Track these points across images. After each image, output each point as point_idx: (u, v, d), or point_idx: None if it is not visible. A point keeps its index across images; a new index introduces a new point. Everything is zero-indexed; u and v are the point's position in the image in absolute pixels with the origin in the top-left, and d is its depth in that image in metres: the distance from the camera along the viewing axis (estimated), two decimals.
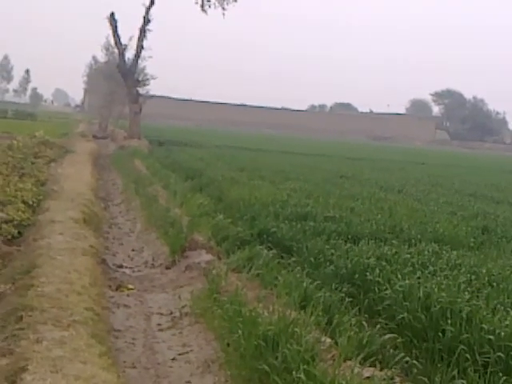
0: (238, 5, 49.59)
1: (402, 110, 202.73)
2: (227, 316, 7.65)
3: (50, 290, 8.10)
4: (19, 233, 12.33)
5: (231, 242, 12.00)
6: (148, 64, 63.95)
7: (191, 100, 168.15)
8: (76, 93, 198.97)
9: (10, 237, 11.91)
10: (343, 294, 8.63)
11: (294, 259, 10.53)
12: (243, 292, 8.51)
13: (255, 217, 13.67)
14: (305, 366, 5.88)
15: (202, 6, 49.27)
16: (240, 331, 6.93)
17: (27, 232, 12.44)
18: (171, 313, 9.19)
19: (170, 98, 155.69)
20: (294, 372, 5.89)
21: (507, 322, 7.10)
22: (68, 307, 7.53)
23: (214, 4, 49.10)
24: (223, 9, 49.17)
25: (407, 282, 8.56)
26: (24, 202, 14.43)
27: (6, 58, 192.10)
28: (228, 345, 7.19)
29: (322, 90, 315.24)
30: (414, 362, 6.65)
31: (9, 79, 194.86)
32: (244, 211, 14.34)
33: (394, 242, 11.91)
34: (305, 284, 8.71)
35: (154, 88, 62.85)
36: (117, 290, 10.29)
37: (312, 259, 10.45)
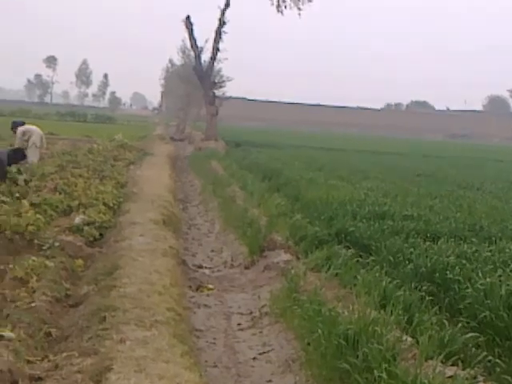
0: (314, 4, 49.68)
1: (479, 107, 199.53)
2: (307, 315, 7.67)
3: (132, 291, 8.25)
4: (101, 234, 12.58)
5: (309, 241, 11.99)
6: (224, 66, 64.40)
7: (267, 101, 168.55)
8: (154, 96, 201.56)
9: (92, 238, 12.17)
10: (423, 293, 8.52)
11: (372, 258, 10.47)
12: (322, 291, 8.52)
13: (333, 216, 13.63)
14: (386, 365, 5.86)
15: (278, 6, 49.49)
16: (320, 330, 6.94)
17: (108, 234, 12.69)
18: (251, 312, 9.26)
19: (246, 99, 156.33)
20: (375, 371, 5.87)
21: None
22: (150, 307, 7.65)
23: (290, 4, 49.26)
24: (299, 9, 49.32)
25: (488, 280, 8.42)
26: (105, 205, 14.71)
27: (84, 63, 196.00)
28: (308, 344, 7.21)
29: (398, 89, 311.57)
30: (497, 360, 6.55)
31: (88, 84, 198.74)
32: (321, 211, 14.31)
33: (473, 240, 11.71)
34: (384, 283, 8.64)
35: (230, 90, 63.27)
36: (197, 290, 10.41)
37: (391, 258, 10.37)
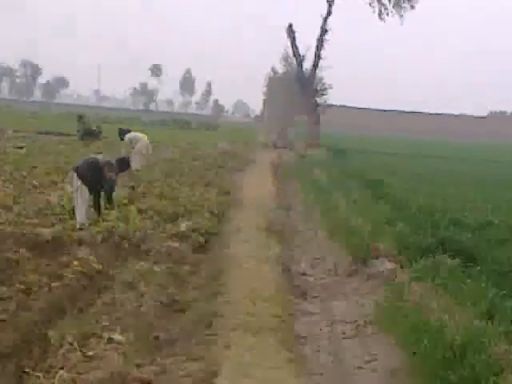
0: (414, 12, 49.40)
1: None
2: (412, 325, 7.61)
3: (238, 297, 8.36)
4: (206, 241, 12.77)
5: (413, 250, 11.86)
6: (325, 74, 64.34)
7: (368, 109, 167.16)
8: (256, 103, 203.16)
9: (197, 245, 12.37)
10: None
11: (478, 268, 10.29)
12: (427, 301, 8.43)
13: (436, 225, 13.45)
14: (494, 378, 5.77)
15: (380, 14, 49.29)
16: (426, 340, 6.87)
17: (213, 240, 12.87)
18: (355, 321, 9.22)
19: (347, 107, 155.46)
20: (482, 383, 5.79)
21: None
22: (255, 314, 7.74)
23: (392, 12, 48.99)
24: (401, 16, 48.98)
25: None
26: (210, 211, 14.92)
27: (188, 71, 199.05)
28: (414, 354, 7.15)
29: (501, 96, 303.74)
30: None
31: (191, 92, 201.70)
32: (425, 219, 14.14)
33: None
34: (491, 294, 8.50)
35: (331, 97, 63.11)
36: (301, 297, 10.44)
37: (497, 268, 10.17)
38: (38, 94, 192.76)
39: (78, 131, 35.66)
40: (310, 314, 9.52)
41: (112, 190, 13.24)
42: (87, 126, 35.81)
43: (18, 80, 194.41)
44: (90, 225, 12.51)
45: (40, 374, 6.19)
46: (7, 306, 7.41)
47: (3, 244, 10.88)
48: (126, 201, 14.91)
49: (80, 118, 36.11)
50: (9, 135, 37.10)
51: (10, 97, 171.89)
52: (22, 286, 8.21)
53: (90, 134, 35.46)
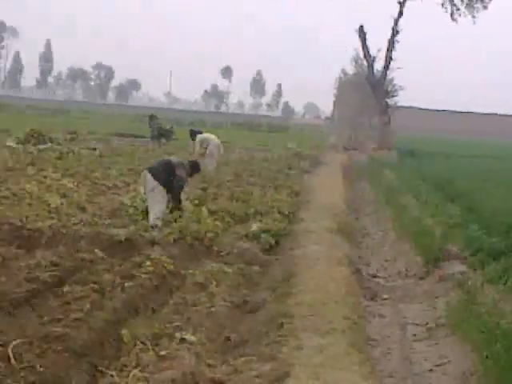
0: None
1: None
2: (485, 328, 7.52)
3: (308, 299, 8.38)
4: (276, 242, 12.81)
5: (485, 252, 11.70)
6: (396, 75, 63.81)
7: (440, 110, 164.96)
8: (326, 105, 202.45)
9: (268, 246, 12.42)
10: None
11: None
12: (500, 304, 8.32)
13: (510, 228, 13.22)
14: None
15: (452, 14, 48.83)
16: (499, 344, 6.79)
17: (284, 241, 12.91)
18: (426, 323, 9.15)
19: (418, 108, 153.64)
20: None
21: None
22: (326, 315, 7.74)
23: (464, 12, 48.52)
24: (473, 17, 48.47)
25: None
26: (280, 212, 14.96)
27: (258, 73, 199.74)
28: (486, 357, 7.06)
29: None
30: None
31: (262, 94, 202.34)
32: (498, 222, 13.91)
33: None
34: None
35: (402, 99, 62.72)
36: (372, 299, 10.41)
37: None
38: (111, 97, 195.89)
39: (151, 130, 36.05)
40: (380, 316, 9.48)
41: (181, 188, 13.37)
42: (159, 126, 36.15)
43: (92, 83, 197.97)
44: (163, 226, 12.67)
45: (113, 373, 6.31)
46: (82, 306, 7.56)
47: (78, 244, 11.12)
48: (197, 202, 15.04)
49: (152, 117, 36.48)
50: (83, 137, 37.78)
51: (84, 99, 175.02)
52: (96, 286, 8.37)
53: (162, 134, 35.84)
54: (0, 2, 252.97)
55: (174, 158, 13.92)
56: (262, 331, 7.46)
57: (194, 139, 23.95)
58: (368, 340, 8.17)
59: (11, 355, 6.05)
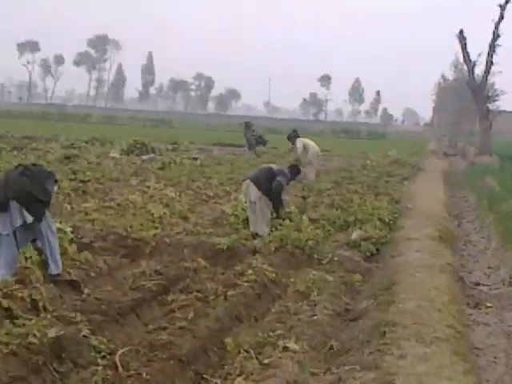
0: None
1: None
2: None
3: (411, 307, 8.30)
4: (377, 250, 12.75)
5: None
6: (497, 79, 62.58)
7: None
8: (425, 111, 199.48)
9: (369, 254, 12.38)
10: None
11: None
12: None
13: None
14: None
15: None
16: None
17: (385, 249, 12.83)
18: None
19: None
20: None
21: None
22: (429, 324, 7.66)
23: None
24: None
25: None
26: (380, 220, 14.88)
27: (357, 81, 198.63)
28: None
29: None
30: None
31: (360, 101, 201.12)
32: None
33: None
34: None
35: (503, 103, 61.34)
36: (475, 307, 10.23)
37: None
38: (211, 107, 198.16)
39: (246, 139, 36.33)
40: (484, 325, 9.31)
41: (278, 194, 13.43)
42: (254, 134, 36.37)
43: (192, 93, 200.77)
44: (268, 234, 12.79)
45: (218, 381, 6.40)
46: (186, 314, 7.67)
47: (181, 253, 11.31)
48: (297, 210, 15.09)
49: (247, 124, 36.74)
50: (184, 147, 38.35)
51: (185, 110, 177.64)
52: (200, 294, 8.49)
53: (258, 142, 36.08)
54: (103, 17, 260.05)
55: (274, 166, 14.01)
56: (365, 339, 7.43)
57: (293, 142, 23.99)
58: (472, 349, 8.04)
59: (118, 363, 6.20)
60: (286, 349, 6.95)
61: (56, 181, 9.55)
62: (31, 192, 8.90)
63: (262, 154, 35.15)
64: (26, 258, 9.44)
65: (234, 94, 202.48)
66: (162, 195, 17.61)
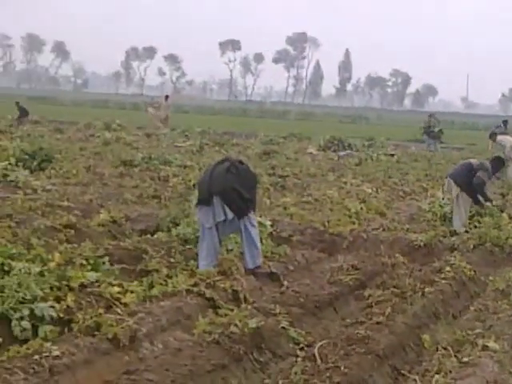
0: None
1: None
2: None
3: None
4: None
5: None
6: None
7: None
8: None
9: None
10: None
11: None
12: None
13: None
14: None
15: None
16: None
17: None
18: None
19: None
20: None
21: None
22: None
23: None
24: None
25: None
26: None
27: None
28: None
29: None
30: None
31: None
32: None
33: None
34: None
35: None
36: None
37: None
38: (407, 104, 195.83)
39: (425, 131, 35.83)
40: None
41: (480, 191, 13.12)
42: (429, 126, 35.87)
43: (388, 89, 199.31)
44: (466, 232, 12.55)
45: (416, 377, 6.36)
46: (383, 309, 7.67)
47: (378, 248, 11.33)
48: (497, 207, 14.66)
49: (431, 117, 36.35)
50: (380, 143, 38.19)
51: (381, 106, 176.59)
52: (397, 290, 8.47)
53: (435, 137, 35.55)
54: (301, 16, 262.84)
55: (474, 161, 13.68)
56: None
57: (494, 139, 23.37)
58: None
59: (317, 355, 6.31)
60: (485, 348, 6.80)
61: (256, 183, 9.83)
62: (235, 189, 9.21)
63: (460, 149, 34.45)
64: (227, 250, 9.82)
65: (430, 90, 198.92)
66: (359, 191, 17.71)
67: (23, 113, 39.55)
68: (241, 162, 9.79)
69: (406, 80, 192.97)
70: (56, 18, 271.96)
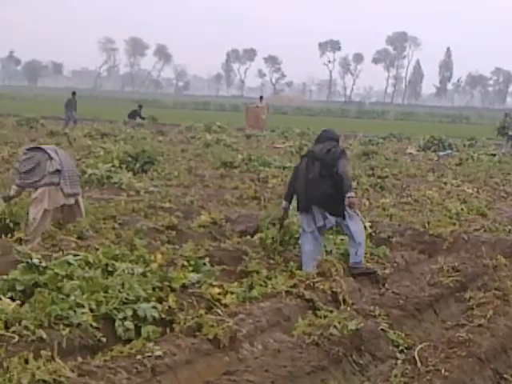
0: None
1: None
2: None
3: None
4: None
5: None
6: None
7: None
8: None
9: None
10: None
11: None
12: None
13: None
14: None
15: None
16: None
17: None
18: None
19: None
20: None
21: None
22: None
23: None
24: None
25: None
26: None
27: None
28: None
29: None
30: None
31: None
32: None
33: None
34: None
35: None
36: None
37: None
38: (509, 101, 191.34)
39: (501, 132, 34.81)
40: None
41: None
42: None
43: (490, 88, 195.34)
44: None
45: None
46: (485, 312, 7.56)
47: (479, 250, 11.13)
48: None
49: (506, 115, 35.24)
50: (481, 143, 37.42)
51: (482, 105, 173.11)
52: (499, 292, 8.33)
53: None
54: (401, 15, 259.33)
55: None
56: None
57: None
58: None
59: (417, 358, 6.27)
60: None
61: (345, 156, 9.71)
62: (331, 195, 9.24)
63: None
64: (326, 252, 9.84)
65: None
66: (460, 191, 17.45)
67: (134, 115, 40.71)
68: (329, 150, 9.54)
69: (508, 78, 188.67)
70: (158, 21, 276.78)
